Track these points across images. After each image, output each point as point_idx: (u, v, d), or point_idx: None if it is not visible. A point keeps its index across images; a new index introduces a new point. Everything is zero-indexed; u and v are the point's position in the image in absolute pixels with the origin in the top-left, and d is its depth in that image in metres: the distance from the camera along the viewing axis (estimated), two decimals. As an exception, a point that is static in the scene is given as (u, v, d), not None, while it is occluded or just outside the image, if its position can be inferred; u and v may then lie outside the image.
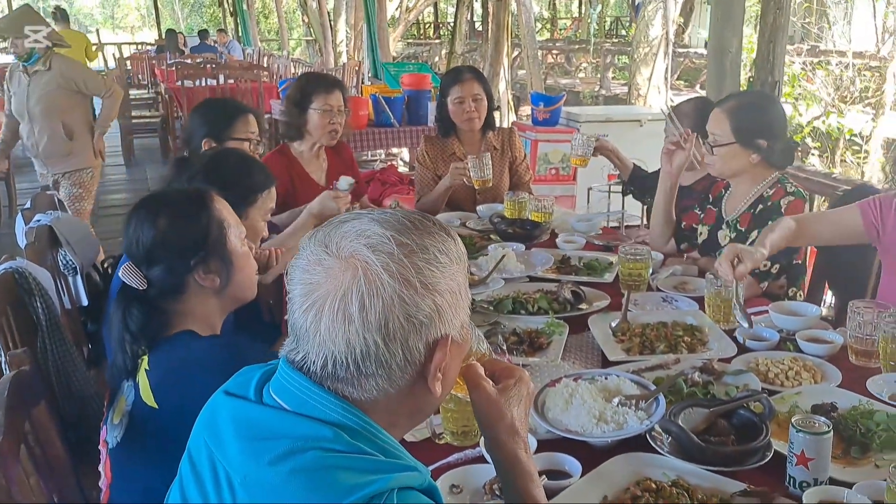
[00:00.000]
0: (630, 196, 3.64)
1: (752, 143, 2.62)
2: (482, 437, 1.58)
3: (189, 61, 10.91)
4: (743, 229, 2.71)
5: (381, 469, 0.95)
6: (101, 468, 1.74)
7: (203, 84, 8.35)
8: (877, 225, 2.30)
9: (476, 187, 3.48)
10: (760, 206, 2.66)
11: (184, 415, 1.20)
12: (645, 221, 3.38)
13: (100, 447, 1.74)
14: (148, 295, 1.68)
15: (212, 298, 1.75)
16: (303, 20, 22.66)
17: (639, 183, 3.53)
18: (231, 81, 8.38)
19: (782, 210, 2.59)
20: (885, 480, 1.35)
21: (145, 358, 1.62)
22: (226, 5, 23.44)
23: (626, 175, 3.56)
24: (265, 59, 13.66)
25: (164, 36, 16.56)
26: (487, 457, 1.54)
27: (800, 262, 2.73)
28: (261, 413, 1.02)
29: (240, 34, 19.76)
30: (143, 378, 1.61)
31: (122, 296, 1.68)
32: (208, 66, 8.81)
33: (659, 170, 3.50)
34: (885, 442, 1.60)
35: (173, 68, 9.71)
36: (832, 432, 1.47)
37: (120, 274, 1.70)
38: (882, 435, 1.61)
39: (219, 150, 2.40)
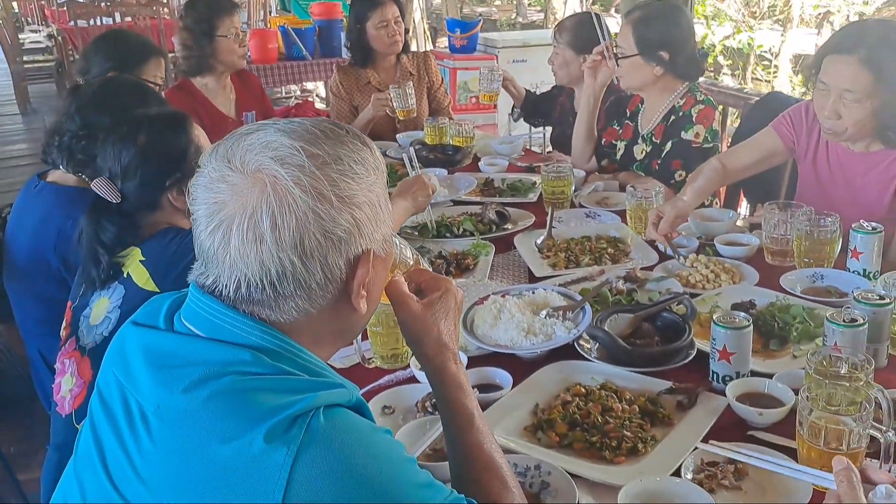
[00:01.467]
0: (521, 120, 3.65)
1: (655, 56, 2.64)
2: (412, 358, 1.58)
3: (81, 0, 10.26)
4: (657, 141, 2.75)
5: (304, 388, 0.90)
6: (62, 381, 1.76)
7: (98, 23, 7.88)
8: (792, 137, 2.34)
9: (400, 118, 3.42)
10: (672, 117, 2.70)
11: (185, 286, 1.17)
12: (550, 148, 3.39)
13: (60, 362, 1.77)
14: (122, 208, 1.72)
15: (183, 220, 1.77)
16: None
17: (529, 107, 3.54)
18: (128, 19, 7.94)
19: (693, 119, 2.63)
20: (804, 368, 1.39)
21: (137, 251, 1.70)
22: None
23: (520, 102, 3.56)
24: (165, -5, 12.96)
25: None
26: (418, 376, 1.54)
27: None
28: (172, 341, 0.96)
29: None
30: (137, 269, 1.68)
31: (93, 210, 1.73)
32: (102, 3, 8.28)
33: (548, 92, 3.55)
34: (802, 334, 1.66)
35: (64, 8, 9.12)
36: (752, 326, 1.50)
37: (93, 185, 1.74)
38: (798, 327, 1.67)
39: (110, 78, 2.26)
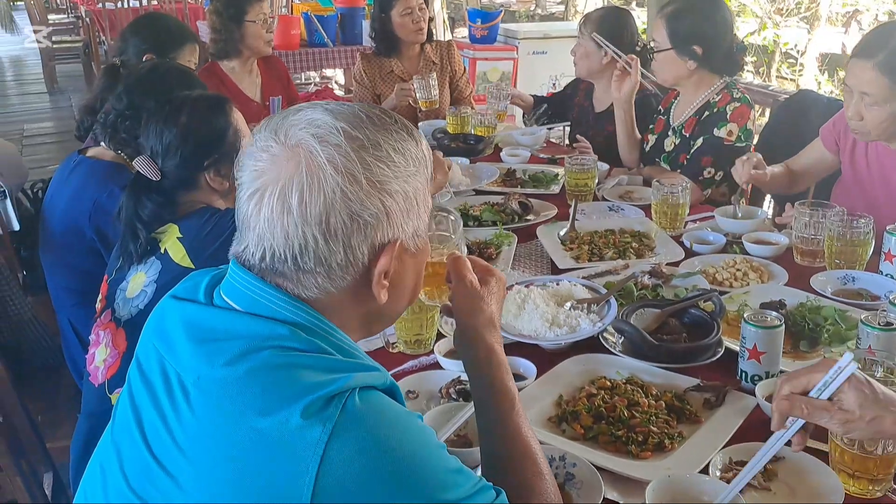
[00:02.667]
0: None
1: (688, 50, 2.60)
2: (436, 343, 1.57)
3: (109, -19, 10.32)
4: (687, 135, 2.71)
5: (340, 368, 0.90)
6: (96, 351, 1.79)
7: (126, 6, 7.92)
8: (834, 139, 2.32)
9: (423, 108, 3.41)
10: (706, 112, 2.65)
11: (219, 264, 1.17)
12: (567, 141, 3.37)
13: (95, 333, 1.80)
14: (162, 185, 1.77)
15: (219, 200, 1.84)
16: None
17: (541, 111, 3.49)
18: (155, 2, 7.97)
19: (727, 116, 2.59)
20: (835, 369, 1.36)
21: (175, 228, 1.74)
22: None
23: (529, 109, 3.52)
24: (189, -21, 12.99)
25: (79, -44, 15.61)
26: (442, 362, 1.53)
27: None
28: (212, 315, 0.97)
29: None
30: (174, 245, 1.72)
31: (133, 187, 1.77)
32: (129, -15, 8.32)
33: (560, 93, 3.54)
34: (833, 336, 1.63)
35: (93, -11, 9.17)
36: (783, 326, 1.48)
37: (135, 163, 1.79)
38: (830, 329, 1.64)
39: (157, 63, 2.27)
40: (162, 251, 1.73)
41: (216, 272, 1.03)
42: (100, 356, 1.78)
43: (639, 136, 2.94)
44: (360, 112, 0.96)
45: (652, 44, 2.70)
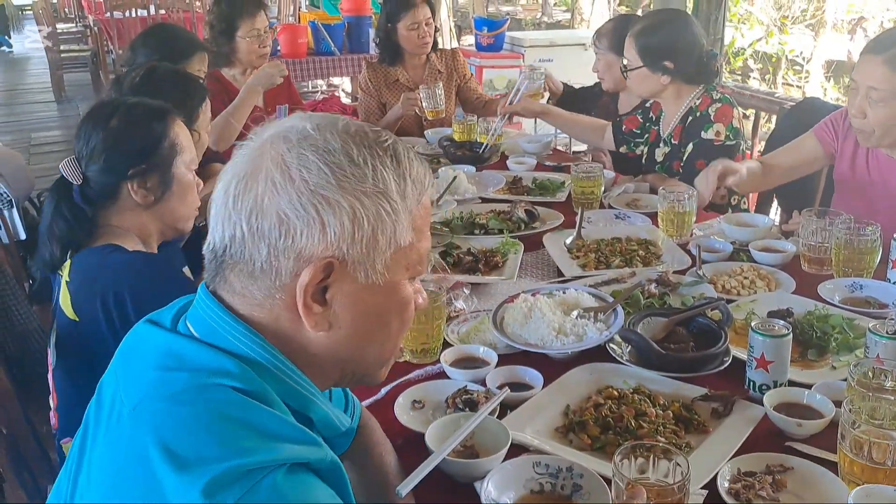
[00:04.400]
0: None
1: (659, 66, 2.64)
2: (443, 353, 1.57)
3: (117, -9, 10.40)
4: (676, 142, 2.75)
5: (274, 433, 0.82)
6: (50, 398, 1.71)
7: (133, 15, 7.96)
8: (832, 142, 2.31)
9: (429, 117, 3.42)
10: (690, 118, 2.70)
11: (100, 326, 1.13)
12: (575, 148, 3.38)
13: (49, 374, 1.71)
14: (83, 193, 1.66)
15: (143, 216, 1.72)
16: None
17: (568, 101, 3.50)
18: (163, 12, 8.01)
19: (711, 118, 2.62)
20: (844, 380, 1.36)
21: (67, 267, 1.60)
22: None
23: (556, 97, 3.53)
24: (197, -12, 13.07)
25: (88, -34, 15.71)
26: (449, 372, 1.52)
27: None
28: (170, 341, 0.92)
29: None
30: (63, 290, 1.59)
31: (55, 188, 1.67)
32: (138, -5, 8.37)
33: (590, 87, 3.55)
34: (841, 344, 1.62)
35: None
36: (791, 335, 1.47)
37: (60, 166, 1.67)
38: (838, 337, 1.63)
39: (152, 66, 2.26)
40: (59, 295, 1.61)
41: (192, 297, 0.97)
42: (51, 398, 1.71)
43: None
44: (341, 121, 0.92)
45: (625, 62, 2.74)
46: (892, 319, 1.50)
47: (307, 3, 9.04)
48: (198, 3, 9.00)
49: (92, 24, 9.32)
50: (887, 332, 1.43)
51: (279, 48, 5.75)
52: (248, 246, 0.87)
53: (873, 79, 2.04)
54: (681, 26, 2.68)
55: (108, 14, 8.02)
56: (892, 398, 1.23)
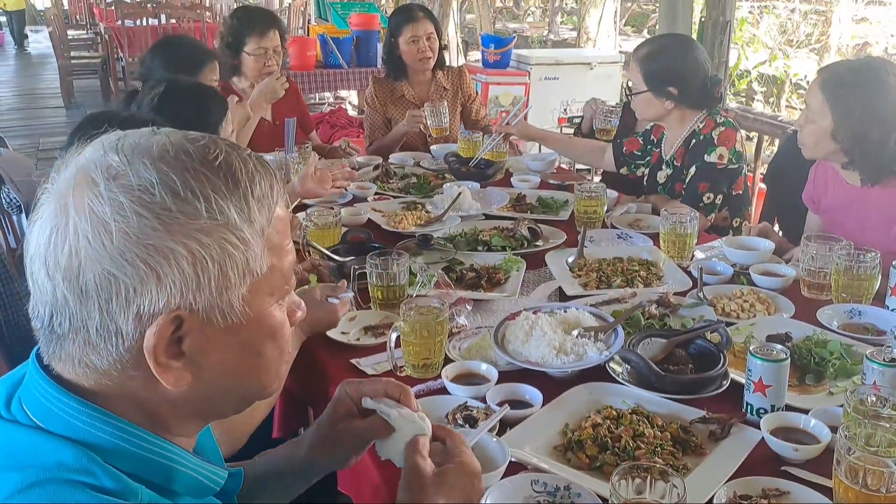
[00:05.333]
0: None
1: (663, 91, 2.69)
2: (444, 368, 1.58)
3: (129, 0, 10.51)
4: (678, 165, 2.79)
5: None
6: None
7: (144, 24, 8.04)
8: (816, 202, 2.45)
9: (433, 135, 3.45)
10: (693, 141, 2.74)
11: None
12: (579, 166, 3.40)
13: None
14: None
15: None
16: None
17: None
18: (173, 21, 8.10)
19: (715, 141, 2.66)
20: (841, 406, 1.37)
21: None
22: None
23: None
24: (207, -2, 13.21)
25: (100, -26, 15.89)
26: (449, 387, 1.54)
27: (740, 192, 2.78)
28: (2, 432, 0.79)
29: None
30: None
31: None
32: (149, 4, 8.46)
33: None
34: (839, 370, 1.63)
35: (113, 7, 9.34)
36: (789, 360, 1.48)
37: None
38: (836, 363, 1.64)
39: (170, 83, 2.29)
40: None
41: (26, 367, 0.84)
42: None
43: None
44: (156, 144, 0.78)
45: (629, 85, 2.79)
46: (890, 347, 1.51)
47: (316, 16, 9.11)
48: (208, 14, 9.09)
49: (103, 32, 9.43)
50: (884, 360, 1.45)
51: (288, 60, 5.80)
52: (77, 311, 0.75)
53: (808, 97, 2.29)
54: (684, 52, 2.72)
55: (120, 22, 8.11)
56: (888, 426, 1.25)
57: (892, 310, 1.90)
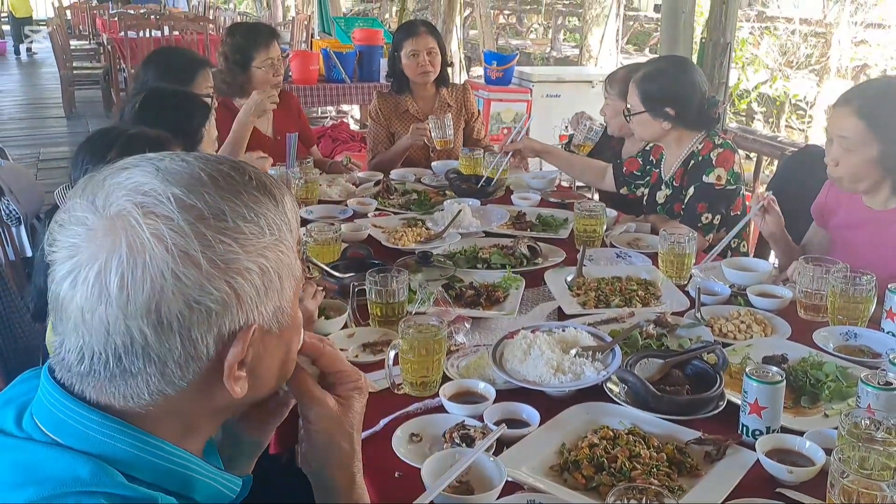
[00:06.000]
0: None
1: (661, 112, 2.72)
2: (442, 386, 1.58)
3: (132, 11, 10.59)
4: (677, 185, 2.82)
5: None
6: None
7: (147, 35, 8.09)
8: (826, 218, 2.45)
9: (437, 147, 3.48)
10: (692, 162, 2.77)
11: None
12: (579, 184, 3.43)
13: None
14: None
15: None
16: (249, -28, 21.99)
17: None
18: (176, 33, 8.14)
19: (713, 162, 2.69)
20: (836, 428, 1.38)
21: None
22: (169, -45, 22.58)
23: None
24: (210, 11, 13.31)
25: (105, -15, 15.98)
26: (447, 406, 1.55)
27: (738, 213, 2.80)
28: (15, 450, 0.79)
29: (184, -15, 19.13)
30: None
31: (49, 215, 1.69)
32: (152, 16, 8.54)
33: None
34: (834, 392, 1.64)
35: (116, 18, 9.42)
36: (785, 382, 1.49)
37: (55, 193, 1.67)
38: (831, 385, 1.65)
39: (151, 89, 2.28)
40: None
41: (35, 382, 0.84)
42: None
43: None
44: (200, 172, 0.80)
45: (628, 106, 2.82)
46: (885, 370, 1.52)
47: (320, 30, 9.17)
48: (211, 26, 9.14)
49: (105, 43, 9.48)
50: (879, 383, 1.46)
51: (291, 74, 5.84)
52: (155, 347, 0.76)
53: (842, 128, 2.18)
54: (681, 74, 2.76)
55: (122, 33, 8.16)
56: (882, 449, 1.25)
57: (888, 332, 1.91)
